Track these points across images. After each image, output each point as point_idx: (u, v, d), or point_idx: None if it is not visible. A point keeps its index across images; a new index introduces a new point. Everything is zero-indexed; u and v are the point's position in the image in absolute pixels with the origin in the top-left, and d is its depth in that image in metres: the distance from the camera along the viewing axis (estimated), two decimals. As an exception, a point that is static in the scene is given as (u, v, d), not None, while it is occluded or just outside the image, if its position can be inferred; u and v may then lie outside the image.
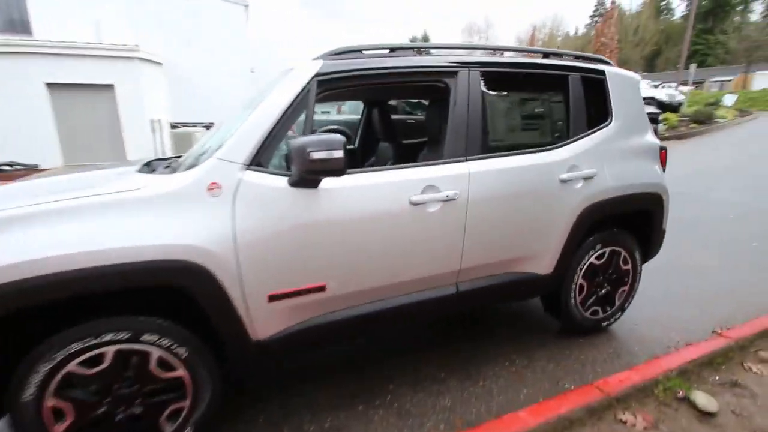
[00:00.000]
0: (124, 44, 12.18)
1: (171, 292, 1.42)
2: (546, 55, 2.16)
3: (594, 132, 2.18)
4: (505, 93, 2.03)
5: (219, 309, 1.46)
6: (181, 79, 14.77)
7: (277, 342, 1.59)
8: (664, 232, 2.51)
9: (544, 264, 2.10)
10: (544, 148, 2.04)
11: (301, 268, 1.58)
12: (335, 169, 1.42)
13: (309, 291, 1.60)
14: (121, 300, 1.40)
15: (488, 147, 1.92)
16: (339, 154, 1.40)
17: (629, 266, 2.43)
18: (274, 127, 1.54)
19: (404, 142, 3.11)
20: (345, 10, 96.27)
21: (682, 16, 49.26)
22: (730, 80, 36.33)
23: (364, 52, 1.76)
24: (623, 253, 2.38)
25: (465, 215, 1.82)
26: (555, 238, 2.08)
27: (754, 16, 47.74)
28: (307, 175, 1.44)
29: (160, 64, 14.01)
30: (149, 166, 2.01)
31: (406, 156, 2.73)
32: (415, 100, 9.94)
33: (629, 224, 2.37)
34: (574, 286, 2.27)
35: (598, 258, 2.30)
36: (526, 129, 2.12)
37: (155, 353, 1.42)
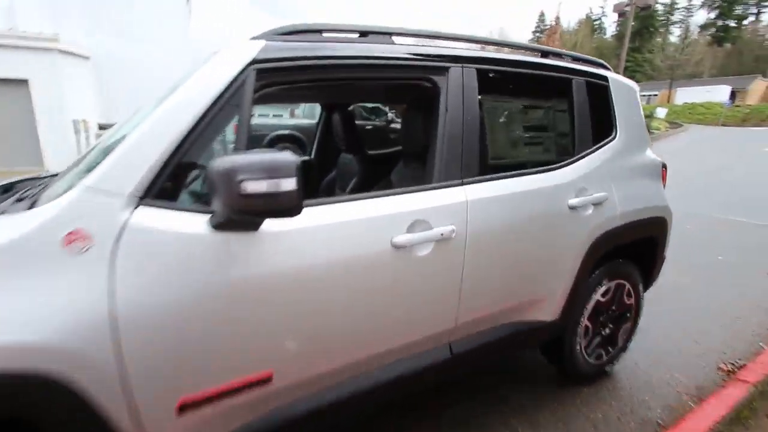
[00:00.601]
0: (40, 33, 10.64)
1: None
2: (545, 54, 1.79)
3: (600, 148, 1.84)
4: (505, 98, 1.62)
5: (88, 442, 0.88)
6: (114, 75, 13.22)
7: (197, 467, 1.04)
8: (664, 258, 2.24)
9: (551, 308, 1.71)
10: (548, 167, 1.65)
11: (234, 354, 1.04)
12: (284, 208, 0.90)
13: (247, 386, 1.07)
14: None
15: (487, 166, 1.49)
16: (290, 184, 0.88)
17: (632, 300, 2.12)
18: (186, 138, 1.00)
19: (372, 153, 2.63)
20: (345, 10, 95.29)
21: (613, 36, 53.56)
22: (656, 95, 39.99)
23: (325, 34, 1.26)
24: (627, 286, 2.06)
25: (463, 257, 1.37)
26: (564, 277, 1.70)
27: (673, 38, 53.16)
28: (239, 216, 0.91)
29: (86, 57, 12.45)
30: (10, 192, 1.37)
31: (376, 171, 2.25)
32: (371, 105, 9.58)
33: (632, 253, 2.05)
34: (579, 330, 1.91)
35: (603, 295, 1.96)
36: (528, 143, 1.73)
37: None
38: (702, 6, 51.26)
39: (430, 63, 1.39)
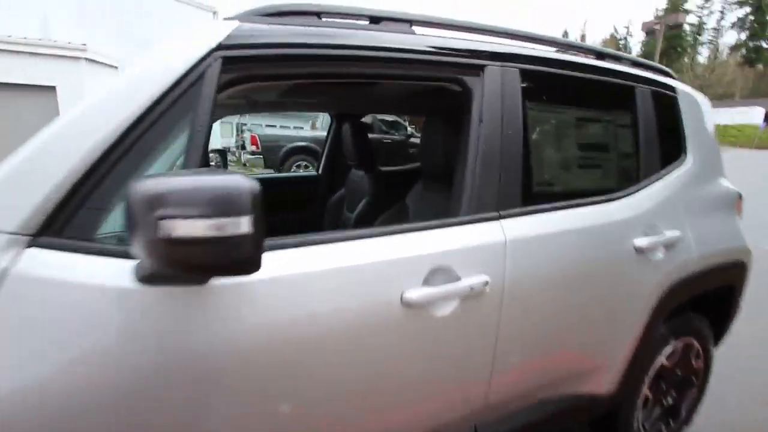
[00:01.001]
0: (69, 42, 10.91)
1: None
2: (600, 55, 1.45)
3: (669, 173, 1.47)
4: (555, 107, 1.28)
5: None
6: (140, 85, 13.44)
7: None
8: (739, 308, 1.83)
9: (609, 377, 1.33)
10: (609, 196, 1.29)
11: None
12: (232, 262, 0.58)
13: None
14: None
15: (532, 195, 1.14)
16: (242, 225, 0.56)
17: (701, 362, 1.71)
18: (111, 150, 0.70)
19: (385, 170, 2.32)
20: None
21: (638, 56, 52.64)
22: (685, 116, 38.73)
23: (325, 18, 0.96)
24: (696, 345, 1.66)
25: (498, 317, 1.02)
26: (627, 338, 1.32)
27: (701, 59, 51.94)
28: (166, 269, 0.59)
29: (114, 67, 12.73)
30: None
31: (390, 192, 1.94)
32: (391, 118, 9.28)
33: (703, 304, 1.66)
34: (638, 401, 1.51)
35: (668, 357, 1.56)
36: (583, 166, 1.38)
37: None
38: (732, 27, 50.06)
39: (460, 59, 1.07)
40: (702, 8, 51.29)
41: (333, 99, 1.86)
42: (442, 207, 1.12)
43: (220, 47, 0.79)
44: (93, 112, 0.71)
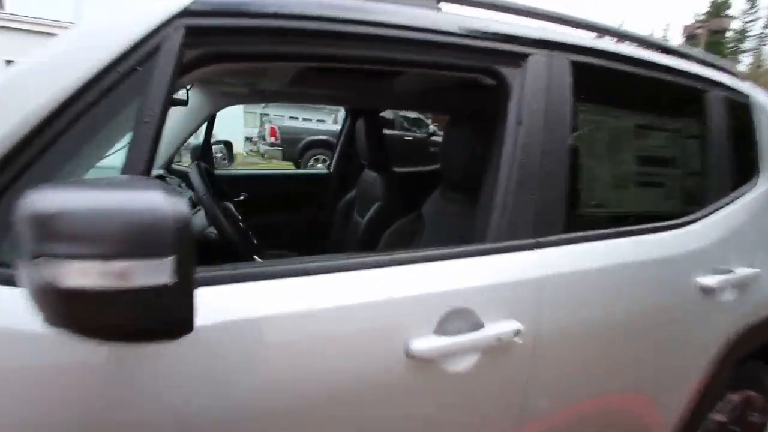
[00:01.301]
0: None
1: None
2: (666, 50, 1.20)
3: (740, 196, 1.22)
4: (612, 111, 1.05)
5: None
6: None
7: None
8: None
9: (654, 443, 1.11)
10: (670, 223, 1.06)
11: None
12: (146, 327, 0.39)
13: None
14: None
15: (579, 218, 0.92)
16: (160, 272, 0.36)
17: (759, 418, 1.45)
18: (24, 145, 0.52)
19: (400, 171, 2.12)
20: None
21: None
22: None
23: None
24: (758, 399, 1.40)
25: (529, 374, 0.80)
26: (682, 396, 1.09)
27: (742, 67, 49.45)
28: (62, 323, 0.41)
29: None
30: None
31: (405, 197, 1.74)
32: (414, 114, 8.99)
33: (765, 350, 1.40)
34: (685, 467, 1.27)
35: (725, 413, 1.31)
36: (640, 184, 1.14)
37: None
38: (779, 34, 47.36)
39: (497, 45, 0.85)
40: (746, 14, 48.77)
41: (342, 91, 1.65)
42: (465, 225, 0.92)
43: (184, 13, 0.60)
44: (5, 92, 0.53)
